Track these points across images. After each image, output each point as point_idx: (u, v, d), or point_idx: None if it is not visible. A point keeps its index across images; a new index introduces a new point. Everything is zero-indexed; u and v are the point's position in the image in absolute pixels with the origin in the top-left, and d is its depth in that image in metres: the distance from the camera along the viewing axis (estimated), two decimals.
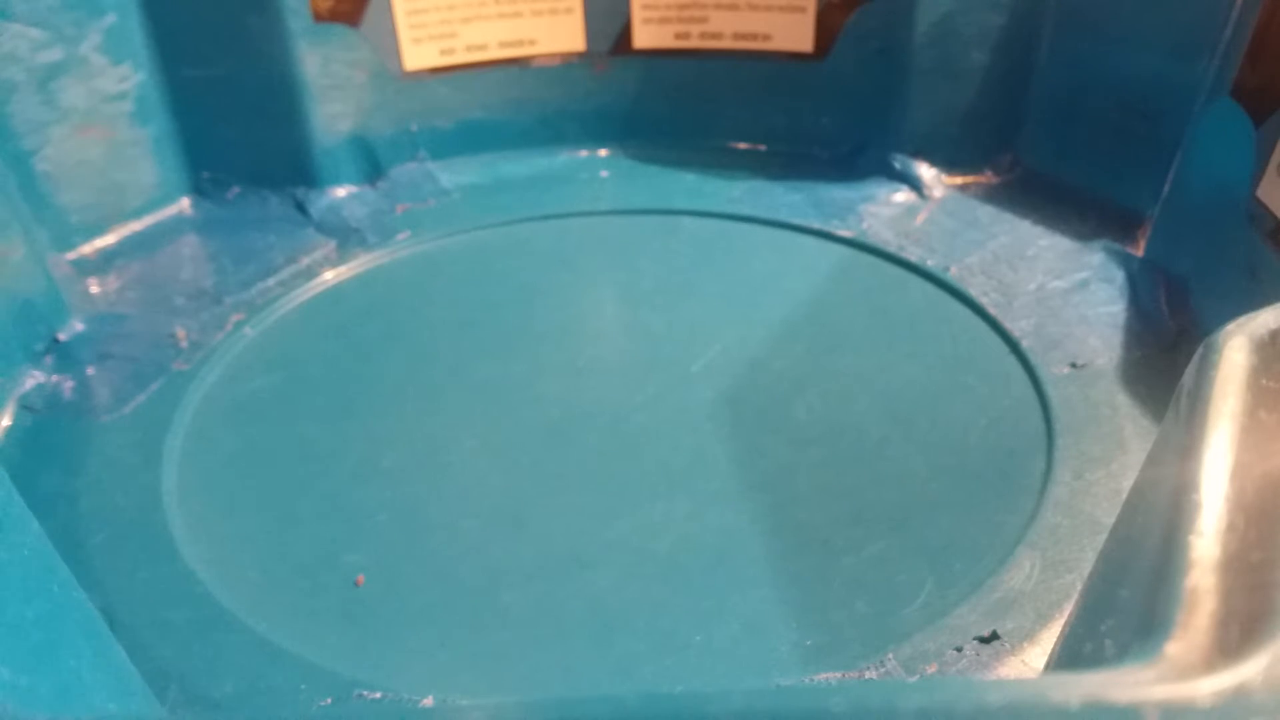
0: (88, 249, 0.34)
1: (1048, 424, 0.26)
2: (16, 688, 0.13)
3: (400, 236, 0.34)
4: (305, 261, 0.33)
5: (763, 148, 0.40)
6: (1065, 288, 0.31)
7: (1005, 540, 0.22)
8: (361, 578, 0.22)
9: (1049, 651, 0.19)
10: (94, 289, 0.32)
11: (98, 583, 0.22)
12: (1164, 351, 0.28)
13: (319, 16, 0.34)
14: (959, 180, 0.37)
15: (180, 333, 0.30)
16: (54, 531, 0.19)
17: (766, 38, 0.38)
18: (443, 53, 0.37)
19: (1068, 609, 0.20)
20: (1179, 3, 0.31)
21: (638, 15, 0.38)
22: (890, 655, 0.20)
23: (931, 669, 0.20)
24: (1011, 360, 0.28)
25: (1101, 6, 0.33)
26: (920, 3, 0.34)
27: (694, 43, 0.38)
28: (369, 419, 0.27)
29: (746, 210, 0.35)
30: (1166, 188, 0.31)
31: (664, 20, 0.38)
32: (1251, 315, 0.13)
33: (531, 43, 0.38)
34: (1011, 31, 0.35)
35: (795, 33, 0.37)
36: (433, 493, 0.24)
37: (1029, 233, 0.34)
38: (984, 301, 0.30)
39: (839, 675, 0.20)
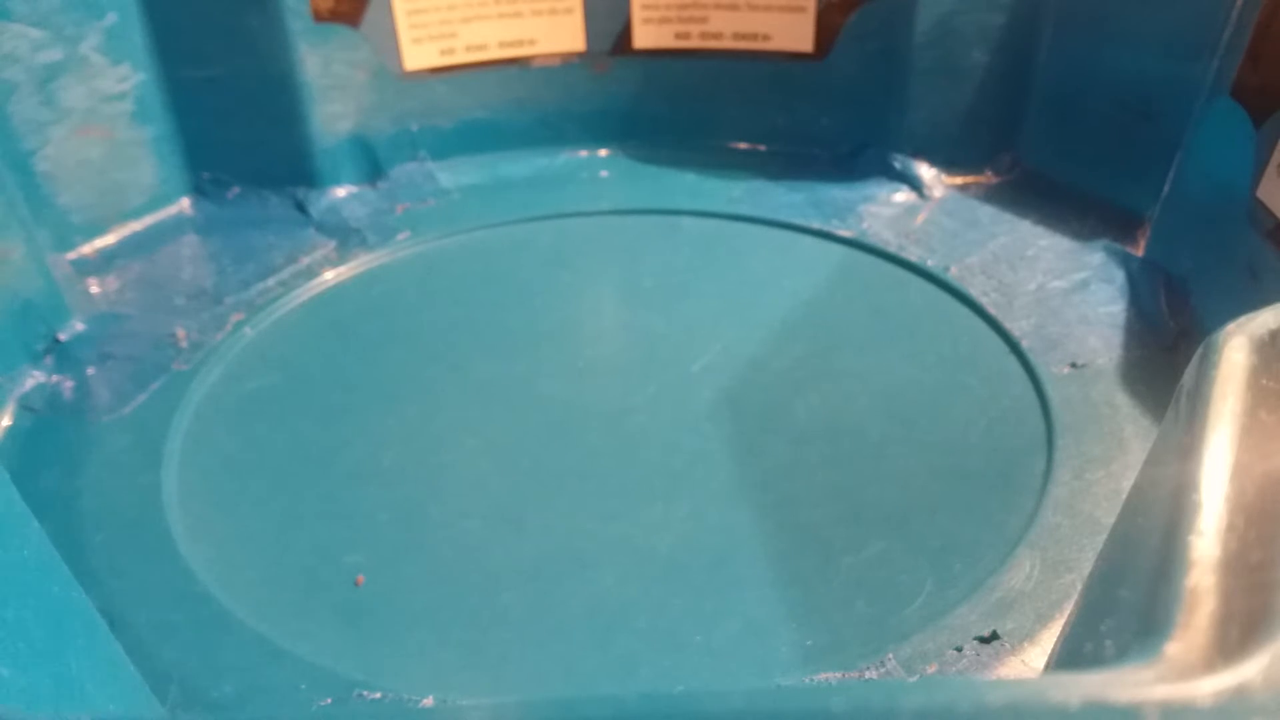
0: (88, 249, 0.34)
1: (1048, 424, 0.26)
2: (16, 687, 0.13)
3: (400, 236, 0.34)
4: (305, 261, 0.33)
5: (763, 148, 0.40)
6: (1065, 288, 0.31)
7: (1005, 540, 0.22)
8: (361, 578, 0.22)
9: (1049, 651, 0.19)
10: (94, 289, 0.32)
11: (98, 583, 0.22)
12: (1164, 351, 0.28)
13: (319, 16, 0.34)
14: (959, 180, 0.37)
15: (180, 333, 0.30)
16: (54, 531, 0.19)
17: (766, 38, 0.38)
18: (443, 53, 0.37)
19: (1068, 609, 0.20)
20: (1179, 3, 0.31)
21: (638, 15, 0.38)
22: (890, 655, 0.20)
23: (931, 669, 0.20)
24: (1011, 360, 0.28)
25: (1101, 6, 0.33)
26: (920, 3, 0.34)
27: (694, 43, 0.38)
28: (369, 419, 0.27)
29: (746, 210, 0.35)
30: (1166, 188, 0.31)
31: (664, 20, 0.38)
32: (1251, 315, 0.13)
33: (531, 43, 0.38)
34: (1011, 31, 0.35)
35: (795, 33, 0.37)
36: (433, 493, 0.24)
37: (1029, 233, 0.34)
38: (984, 301, 0.30)
39: (839, 675, 0.20)
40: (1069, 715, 0.09)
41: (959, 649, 0.20)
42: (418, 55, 0.37)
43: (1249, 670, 0.09)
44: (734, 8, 0.37)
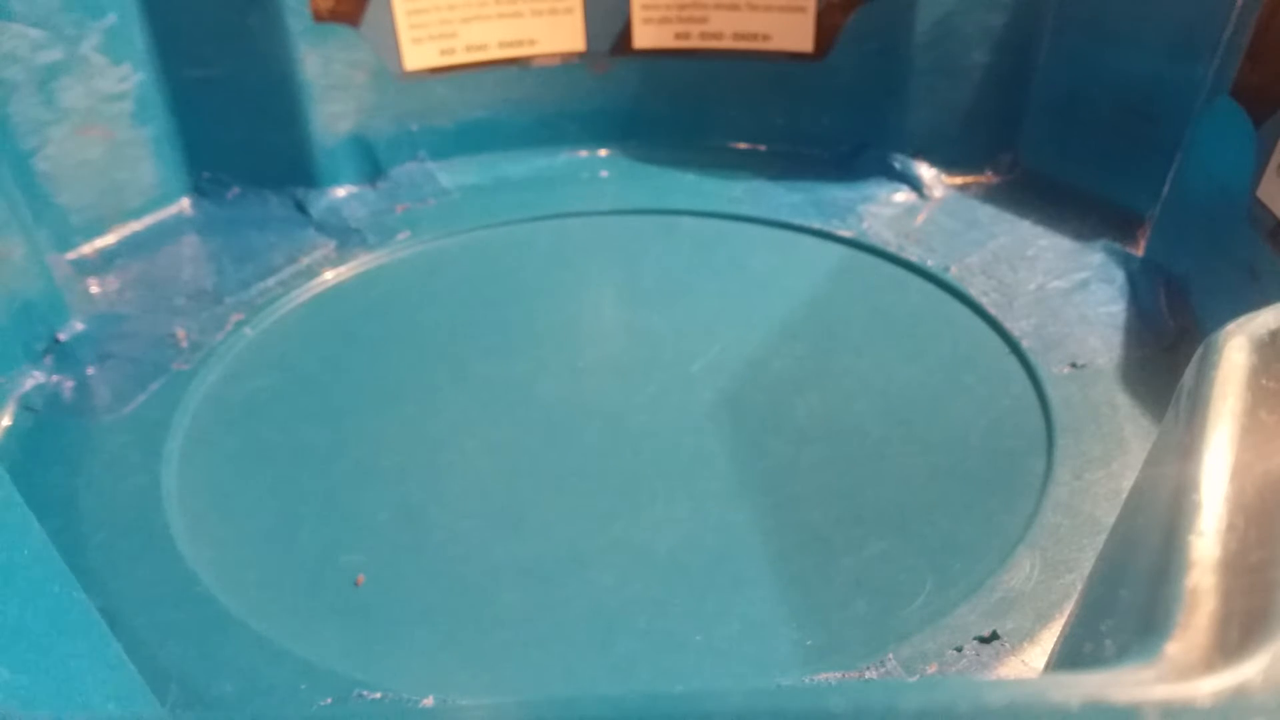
0: (88, 249, 0.34)
1: (1048, 424, 0.26)
2: (16, 687, 0.13)
3: (400, 236, 0.34)
4: (305, 261, 0.33)
5: (763, 148, 0.40)
6: (1065, 288, 0.31)
7: (1005, 540, 0.22)
8: (361, 578, 0.22)
9: (1049, 651, 0.19)
10: (94, 289, 0.32)
11: (98, 583, 0.22)
12: (1164, 351, 0.28)
13: (319, 16, 0.34)
14: (959, 180, 0.37)
15: (180, 333, 0.30)
16: (54, 531, 0.19)
17: (766, 38, 0.38)
18: (443, 53, 0.37)
19: (1068, 609, 0.20)
20: (1179, 3, 0.31)
21: (638, 15, 0.38)
22: (890, 655, 0.20)
23: (931, 669, 0.20)
24: (1011, 360, 0.28)
25: (1101, 6, 0.33)
26: (920, 3, 0.34)
27: (694, 43, 0.38)
28: (369, 419, 0.27)
29: (746, 210, 0.35)
30: (1166, 188, 0.31)
31: (664, 20, 0.38)
32: (1251, 315, 0.13)
33: (531, 43, 0.38)
34: (1011, 31, 0.35)
35: (795, 33, 0.37)
36: (433, 493, 0.24)
37: (1029, 233, 0.34)
38: (984, 301, 0.30)
39: (839, 675, 0.20)
40: (1069, 715, 0.09)
41: (959, 649, 0.20)
42: (418, 55, 0.37)
43: (1249, 670, 0.09)
44: (734, 8, 0.37)
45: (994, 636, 0.20)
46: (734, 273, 0.32)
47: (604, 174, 0.38)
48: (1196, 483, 0.11)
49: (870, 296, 0.31)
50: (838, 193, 0.36)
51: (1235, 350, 0.13)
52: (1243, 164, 0.27)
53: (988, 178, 0.37)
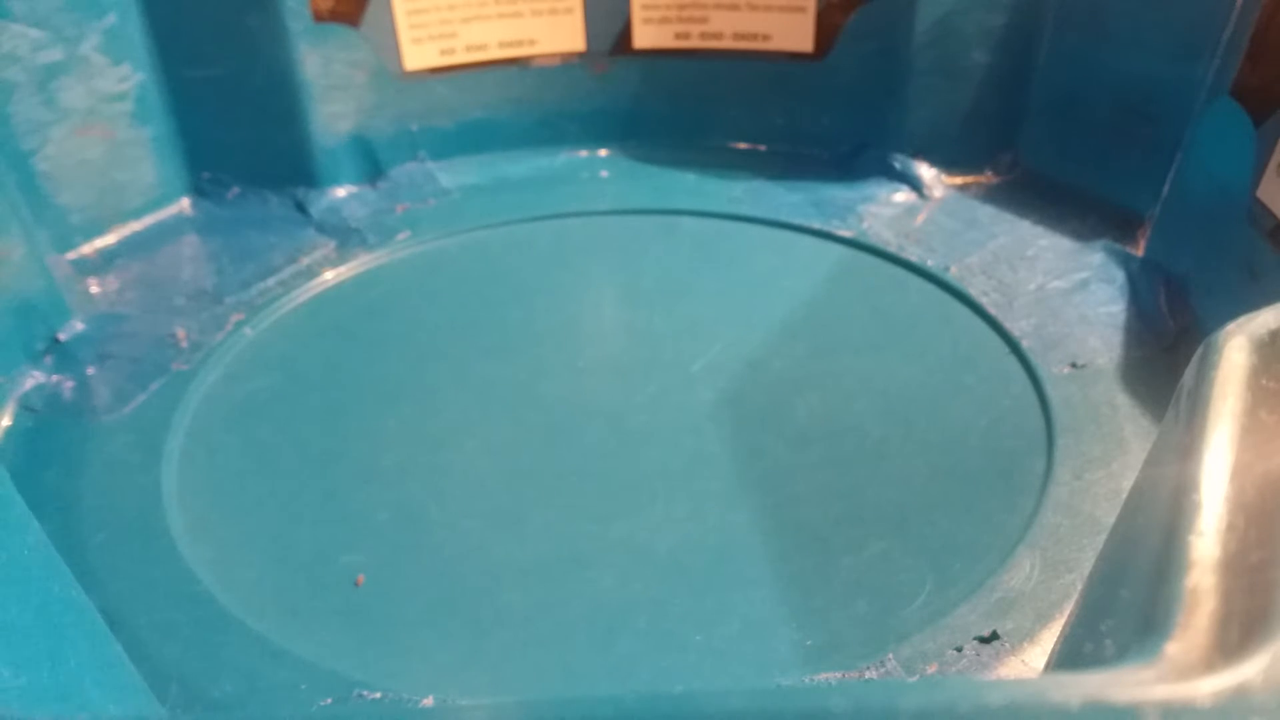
0: (88, 249, 0.34)
1: (1048, 424, 0.26)
2: (16, 688, 0.13)
3: (400, 236, 0.34)
4: (305, 261, 0.33)
5: (763, 148, 0.40)
6: (1065, 288, 0.31)
7: (1005, 540, 0.22)
8: (361, 578, 0.22)
9: (1049, 651, 0.19)
10: (94, 289, 0.32)
11: (98, 583, 0.22)
12: (1164, 351, 0.28)
13: (319, 16, 0.34)
14: (959, 180, 0.37)
15: (180, 333, 0.30)
16: (54, 531, 0.19)
17: (766, 38, 0.38)
18: (443, 53, 0.37)
19: (1068, 609, 0.20)
20: (1179, 3, 0.31)
21: (638, 15, 0.38)
22: (890, 655, 0.20)
23: (931, 669, 0.20)
24: (1011, 360, 0.28)
25: (1101, 6, 0.33)
26: (920, 3, 0.34)
27: (694, 43, 0.38)
28: (369, 419, 0.27)
29: (746, 210, 0.35)
30: (1166, 188, 0.31)
31: (664, 20, 0.38)
32: (1251, 315, 0.13)
33: (531, 43, 0.38)
34: (1011, 31, 0.35)
35: (795, 33, 0.37)
36: (433, 493, 0.24)
37: (1029, 233, 0.34)
38: (984, 301, 0.30)
39: (839, 675, 0.20)
40: (1069, 715, 0.09)
41: (959, 649, 0.20)
42: (418, 55, 0.37)
43: (1249, 670, 0.09)
44: (734, 8, 0.37)
45: (994, 636, 0.20)
46: (734, 273, 0.32)
47: (604, 174, 0.38)
48: (1196, 483, 0.11)
49: (870, 296, 0.31)
50: (838, 193, 0.36)
51: (1235, 350, 0.13)
52: (1243, 164, 0.27)
53: (988, 178, 0.37)
